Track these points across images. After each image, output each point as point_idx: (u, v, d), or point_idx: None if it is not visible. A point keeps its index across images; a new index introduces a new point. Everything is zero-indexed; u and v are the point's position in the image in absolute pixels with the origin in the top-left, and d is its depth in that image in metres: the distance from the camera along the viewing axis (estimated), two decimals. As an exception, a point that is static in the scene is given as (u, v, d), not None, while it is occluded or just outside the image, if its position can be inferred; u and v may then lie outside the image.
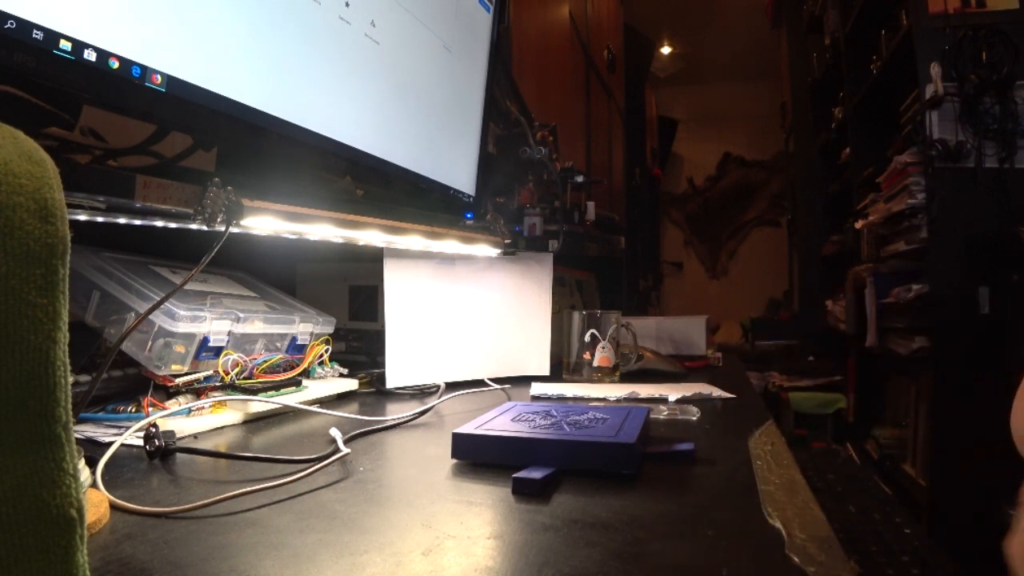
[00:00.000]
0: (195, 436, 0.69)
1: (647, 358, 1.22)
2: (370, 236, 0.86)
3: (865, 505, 2.27)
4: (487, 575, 0.36)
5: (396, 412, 0.80)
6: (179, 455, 0.60)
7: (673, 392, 0.95)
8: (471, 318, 1.11)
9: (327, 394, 0.89)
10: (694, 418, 0.79)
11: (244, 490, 0.48)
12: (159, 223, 0.64)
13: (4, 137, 0.27)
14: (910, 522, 2.10)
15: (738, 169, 5.91)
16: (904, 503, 2.26)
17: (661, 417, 0.80)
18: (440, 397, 0.91)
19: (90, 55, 0.50)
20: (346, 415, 0.77)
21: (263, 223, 0.68)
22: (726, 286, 5.88)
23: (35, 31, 0.46)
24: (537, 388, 1.03)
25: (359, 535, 0.42)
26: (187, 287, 0.77)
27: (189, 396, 0.74)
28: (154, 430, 0.59)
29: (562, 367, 1.19)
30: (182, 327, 0.72)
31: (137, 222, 0.62)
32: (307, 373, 0.89)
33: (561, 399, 0.95)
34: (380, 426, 0.73)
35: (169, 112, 0.58)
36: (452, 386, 1.02)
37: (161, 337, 0.72)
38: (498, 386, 1.05)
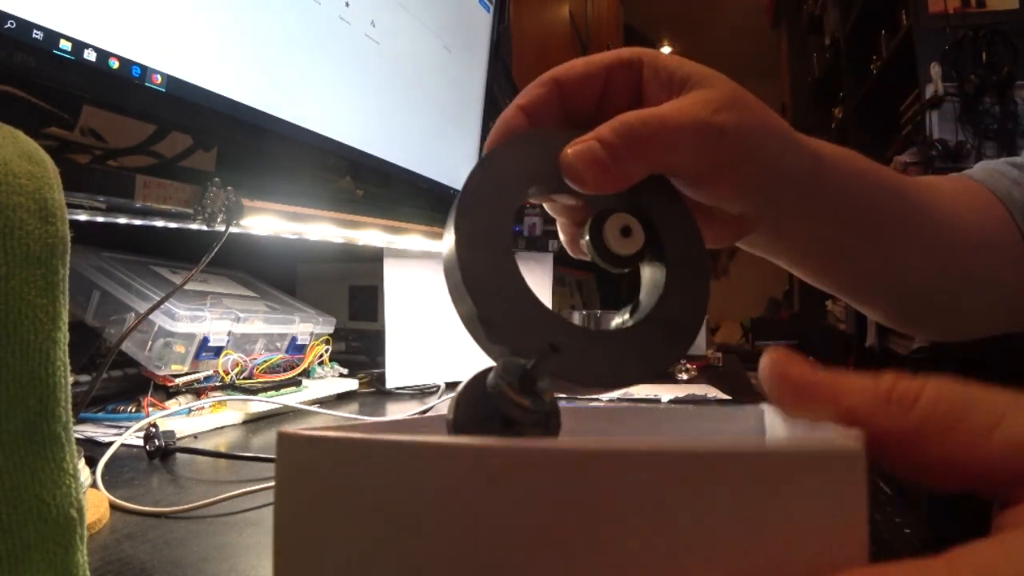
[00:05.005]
0: (195, 436, 0.69)
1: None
2: (370, 236, 0.86)
3: (865, 505, 2.27)
4: (487, 575, 0.36)
5: (396, 412, 0.80)
6: (179, 455, 0.60)
7: (670, 393, 0.95)
8: (471, 318, 1.11)
9: (327, 394, 0.89)
10: (694, 418, 0.79)
11: (244, 490, 0.48)
12: (159, 223, 0.64)
13: (4, 137, 0.27)
14: (910, 522, 2.10)
15: (738, 169, 5.90)
16: (904, 503, 2.27)
17: (661, 417, 0.80)
18: (440, 397, 0.91)
19: (90, 55, 0.50)
20: (346, 415, 0.77)
21: (263, 223, 0.68)
22: (726, 286, 5.87)
23: (35, 31, 0.46)
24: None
25: (359, 535, 0.42)
26: (187, 287, 0.77)
27: (189, 396, 0.74)
28: (154, 430, 0.59)
29: (562, 367, 1.19)
30: (182, 327, 0.72)
31: (137, 222, 0.62)
32: (307, 373, 0.89)
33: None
34: (380, 426, 0.73)
35: (169, 112, 0.58)
36: (452, 386, 1.02)
37: (161, 337, 0.72)
38: (498, 386, 1.05)
